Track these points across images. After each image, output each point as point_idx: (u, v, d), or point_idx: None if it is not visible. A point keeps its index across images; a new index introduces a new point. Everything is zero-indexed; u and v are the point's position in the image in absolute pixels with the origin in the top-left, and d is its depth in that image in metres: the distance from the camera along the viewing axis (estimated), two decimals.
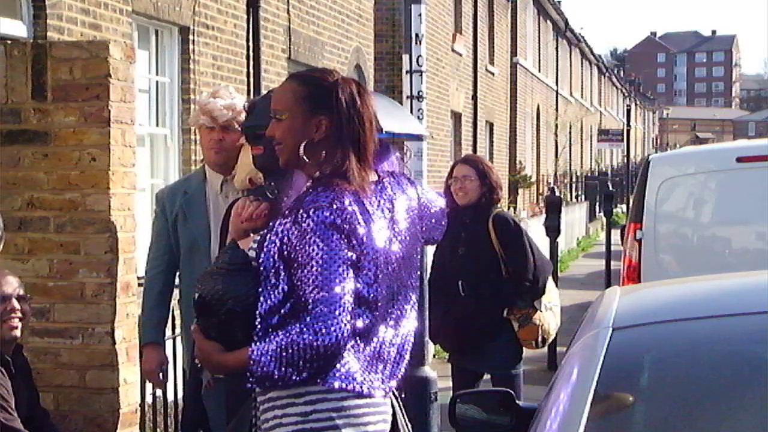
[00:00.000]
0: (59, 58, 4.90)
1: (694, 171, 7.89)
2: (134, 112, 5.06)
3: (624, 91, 68.34)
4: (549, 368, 10.49)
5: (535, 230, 18.45)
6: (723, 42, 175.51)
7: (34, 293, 4.89)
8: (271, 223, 3.09)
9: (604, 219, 19.79)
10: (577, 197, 35.02)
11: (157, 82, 9.51)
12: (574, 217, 25.35)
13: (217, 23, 10.37)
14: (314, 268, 2.86)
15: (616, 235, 17.22)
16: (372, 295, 2.94)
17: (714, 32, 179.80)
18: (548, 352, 10.63)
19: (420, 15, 4.57)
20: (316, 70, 3.32)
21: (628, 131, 25.57)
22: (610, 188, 18.54)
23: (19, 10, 7.53)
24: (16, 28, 7.39)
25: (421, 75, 4.55)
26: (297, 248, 2.90)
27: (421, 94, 4.49)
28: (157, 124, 9.50)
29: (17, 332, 4.23)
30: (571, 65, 41.20)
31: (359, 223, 2.93)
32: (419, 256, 3.18)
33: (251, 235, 3.35)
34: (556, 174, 32.76)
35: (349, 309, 2.85)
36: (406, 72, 4.59)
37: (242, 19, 10.97)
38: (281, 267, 2.95)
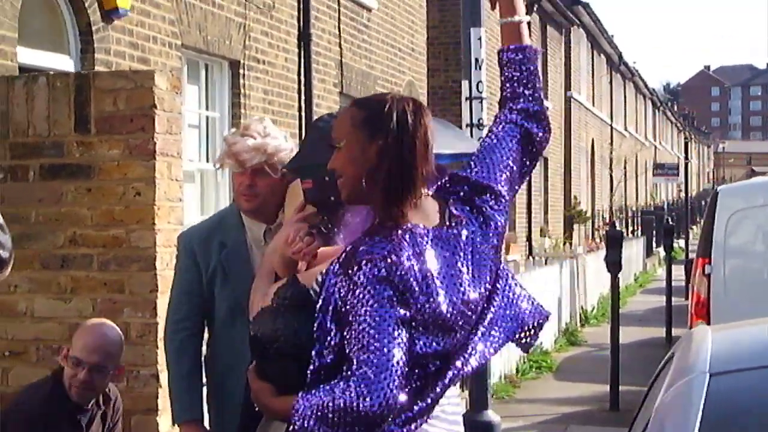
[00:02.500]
0: (103, 89, 4.72)
1: (763, 203, 7.55)
2: (180, 144, 4.86)
3: (678, 125, 67.67)
4: (611, 408, 10.13)
5: (592, 266, 18.08)
6: None
7: None
8: (330, 266, 2.83)
9: (663, 254, 19.44)
10: (633, 232, 34.53)
11: (207, 116, 9.36)
12: (631, 252, 24.90)
13: (268, 57, 10.21)
14: (363, 327, 2.59)
15: (675, 270, 16.83)
16: (432, 352, 2.69)
17: None
18: (610, 392, 10.27)
19: (480, 39, 4.33)
20: (379, 94, 3.05)
21: (686, 165, 25.12)
22: (670, 222, 18.09)
23: (67, 44, 7.40)
24: (64, 63, 7.24)
25: (481, 102, 4.30)
26: (347, 303, 2.64)
27: (481, 122, 4.24)
28: (207, 160, 9.33)
29: (79, 399, 4.02)
30: (625, 99, 40.80)
31: (416, 278, 2.67)
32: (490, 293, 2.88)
33: (299, 267, 3.12)
34: (611, 209, 32.32)
35: (400, 374, 2.59)
36: (466, 99, 4.34)
37: (293, 53, 10.81)
38: (333, 322, 2.70)
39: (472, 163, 2.97)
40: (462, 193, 2.93)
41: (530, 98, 3.05)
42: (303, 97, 10.81)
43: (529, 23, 3.19)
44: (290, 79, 10.69)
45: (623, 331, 12.01)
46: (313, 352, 2.74)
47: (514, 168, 2.98)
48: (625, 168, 38.02)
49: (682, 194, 57.97)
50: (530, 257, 22.14)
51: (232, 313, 3.83)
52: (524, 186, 21.45)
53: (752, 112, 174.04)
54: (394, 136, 2.76)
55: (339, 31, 11.97)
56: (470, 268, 2.81)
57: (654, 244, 30.65)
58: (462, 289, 2.77)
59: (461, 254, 2.80)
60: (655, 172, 37.99)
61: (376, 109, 2.82)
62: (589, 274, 17.79)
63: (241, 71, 9.62)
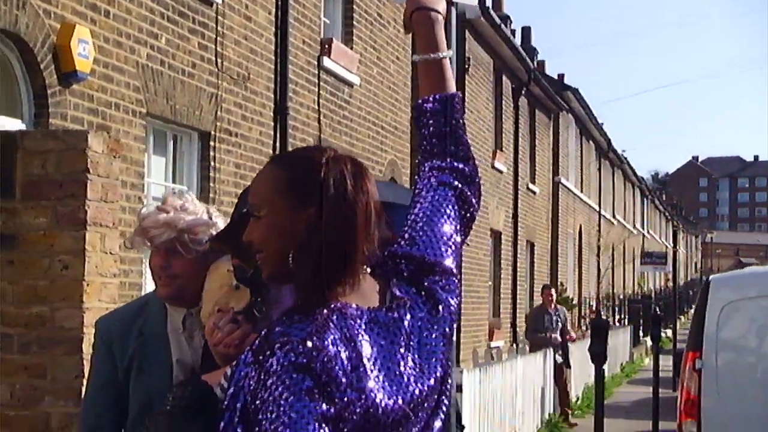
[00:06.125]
0: (31, 151, 4.26)
1: (757, 294, 7.08)
2: (117, 214, 4.37)
3: (667, 214, 67.54)
4: None
5: (578, 355, 17.54)
6: (766, 167, 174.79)
7: None
8: (242, 355, 2.31)
9: (650, 343, 18.94)
10: (620, 321, 34.01)
11: (173, 190, 8.90)
12: (618, 341, 24.34)
13: (241, 129, 9.79)
14: (275, 426, 2.04)
15: (663, 360, 16.29)
16: None
17: (756, 157, 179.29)
18: None
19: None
20: (303, 148, 2.55)
21: (675, 253, 24.73)
22: (658, 312, 17.60)
23: (19, 108, 6.95)
24: (15, 128, 6.78)
25: None
26: (257, 398, 2.09)
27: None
28: None
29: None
30: (613, 186, 40.57)
31: (344, 368, 2.14)
32: (451, 387, 2.37)
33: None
34: (598, 296, 31.82)
35: None
36: None
37: (269, 126, 10.39)
38: (241, 424, 2.15)
39: (407, 235, 2.47)
40: (406, 272, 2.43)
41: (460, 156, 2.53)
42: None
43: (451, 59, 2.63)
44: (264, 154, 10.26)
45: (611, 424, 11.47)
46: None
47: (458, 240, 2.48)
48: (612, 255, 37.62)
49: (670, 283, 57.67)
50: (514, 344, 21.59)
51: (145, 410, 3.31)
52: (509, 270, 20.76)
53: (740, 204, 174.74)
54: (329, 206, 2.27)
55: (318, 106, 11.58)
56: (415, 360, 2.30)
57: (641, 334, 30.11)
58: (404, 385, 2.25)
59: (403, 342, 2.29)
60: (642, 260, 37.61)
61: (305, 171, 2.30)
62: (574, 363, 17.23)
63: (212, 143, 9.19)
